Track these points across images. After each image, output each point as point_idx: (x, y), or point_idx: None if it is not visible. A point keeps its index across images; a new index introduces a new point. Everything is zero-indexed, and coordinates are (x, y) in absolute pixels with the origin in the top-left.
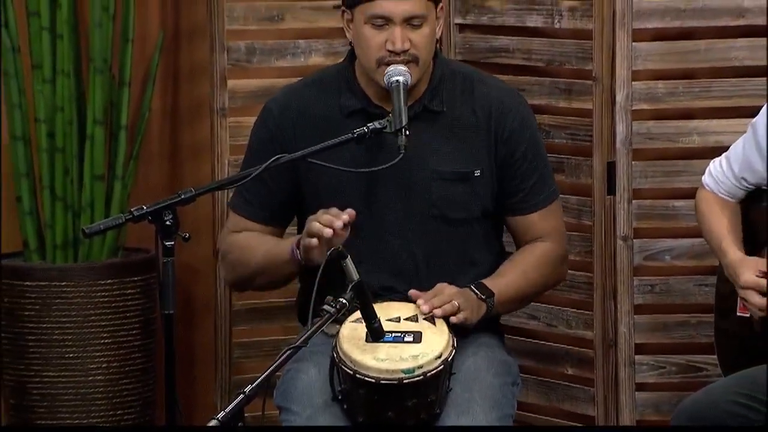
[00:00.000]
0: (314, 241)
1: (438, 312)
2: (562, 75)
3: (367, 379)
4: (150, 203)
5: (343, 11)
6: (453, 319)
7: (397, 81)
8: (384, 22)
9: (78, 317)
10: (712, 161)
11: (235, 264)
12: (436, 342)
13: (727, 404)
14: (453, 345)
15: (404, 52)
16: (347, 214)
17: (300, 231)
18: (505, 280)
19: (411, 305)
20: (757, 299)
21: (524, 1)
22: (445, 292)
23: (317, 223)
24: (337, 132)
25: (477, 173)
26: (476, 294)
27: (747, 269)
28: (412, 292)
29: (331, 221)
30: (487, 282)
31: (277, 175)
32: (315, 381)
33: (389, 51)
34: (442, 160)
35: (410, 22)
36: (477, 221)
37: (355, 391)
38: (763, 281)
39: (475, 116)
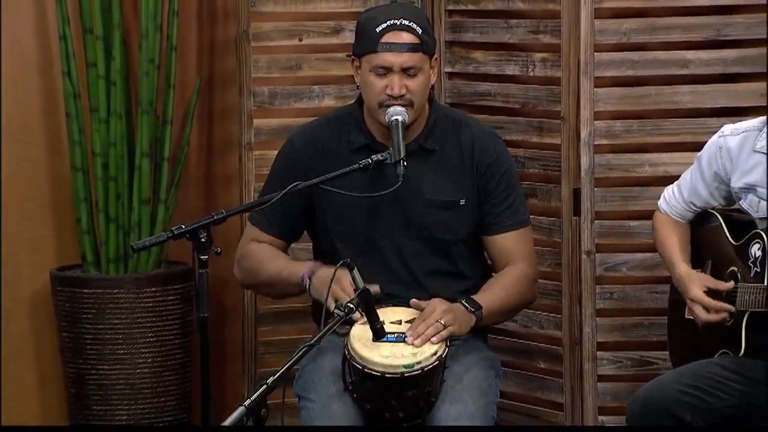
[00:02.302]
0: (332, 307)
1: (418, 343)
2: (534, 115)
3: (373, 373)
4: (188, 223)
5: (353, 60)
6: (435, 338)
7: (396, 120)
8: (385, 71)
9: (127, 320)
10: (666, 188)
11: (249, 271)
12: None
13: (674, 392)
14: (446, 344)
15: (401, 96)
16: (374, 291)
17: (314, 247)
18: (490, 296)
19: (410, 310)
20: (702, 313)
21: (503, 53)
22: (435, 312)
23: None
24: (346, 164)
25: (462, 202)
26: (466, 307)
27: (694, 285)
28: (413, 301)
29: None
30: (476, 297)
31: (294, 199)
32: (329, 373)
33: (389, 95)
34: (434, 191)
35: (407, 71)
36: (462, 242)
37: (363, 383)
38: (707, 299)
39: (460, 154)
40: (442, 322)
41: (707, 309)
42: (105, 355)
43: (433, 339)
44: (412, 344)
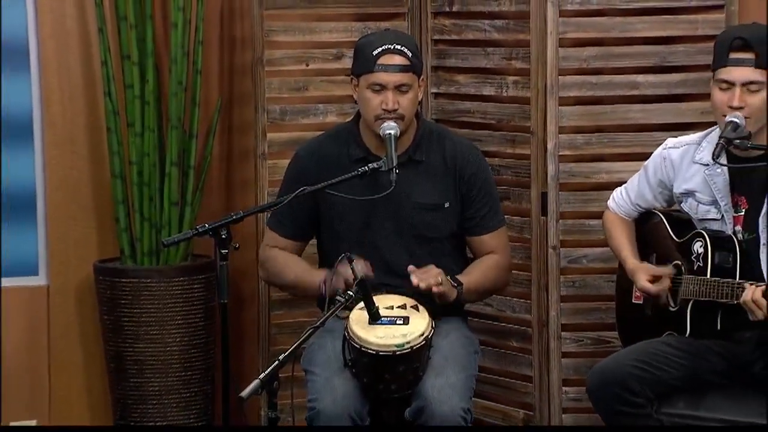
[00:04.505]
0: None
1: (423, 285)
2: (508, 129)
3: (369, 351)
4: (210, 222)
5: (352, 78)
6: (435, 289)
7: (390, 133)
8: (380, 88)
9: (159, 304)
10: (615, 190)
11: (272, 274)
12: (420, 324)
13: (626, 366)
14: (432, 326)
15: (394, 110)
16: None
17: (319, 244)
18: (470, 277)
19: (401, 297)
20: (650, 288)
21: (481, 76)
22: (433, 271)
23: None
24: (346, 173)
25: (446, 205)
26: (451, 283)
27: (642, 275)
28: (411, 267)
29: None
30: (459, 276)
31: (302, 202)
32: (331, 351)
33: (383, 109)
34: (421, 195)
35: (399, 88)
36: (446, 239)
37: (360, 360)
38: (651, 287)
39: (444, 164)
40: (440, 278)
41: (652, 295)
42: (140, 336)
43: (434, 289)
44: (417, 285)
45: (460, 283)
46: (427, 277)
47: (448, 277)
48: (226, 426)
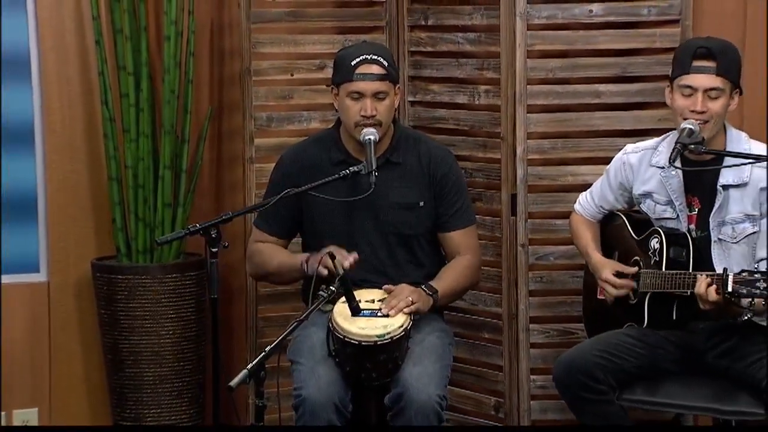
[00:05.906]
0: (325, 272)
1: (393, 313)
2: (480, 135)
3: (352, 341)
4: (201, 223)
5: (332, 88)
6: (406, 309)
7: (369, 139)
8: (359, 96)
9: (153, 299)
10: (581, 194)
11: (258, 265)
12: (399, 316)
13: (590, 356)
14: (410, 318)
15: (372, 117)
16: (353, 258)
17: (303, 243)
18: (445, 282)
19: (381, 291)
20: (612, 290)
21: (454, 86)
22: (404, 292)
23: (330, 261)
24: (328, 175)
25: (421, 204)
26: (426, 291)
27: (605, 269)
28: (386, 287)
29: (341, 262)
30: (433, 283)
31: (286, 203)
32: (316, 342)
33: (362, 116)
34: (398, 195)
35: (377, 96)
36: (422, 236)
37: (344, 350)
38: (616, 279)
39: (419, 166)
40: (410, 299)
41: (615, 287)
42: (135, 329)
43: (405, 310)
44: (387, 314)
45: (435, 291)
46: (397, 302)
47: (423, 287)
48: (227, 425)
